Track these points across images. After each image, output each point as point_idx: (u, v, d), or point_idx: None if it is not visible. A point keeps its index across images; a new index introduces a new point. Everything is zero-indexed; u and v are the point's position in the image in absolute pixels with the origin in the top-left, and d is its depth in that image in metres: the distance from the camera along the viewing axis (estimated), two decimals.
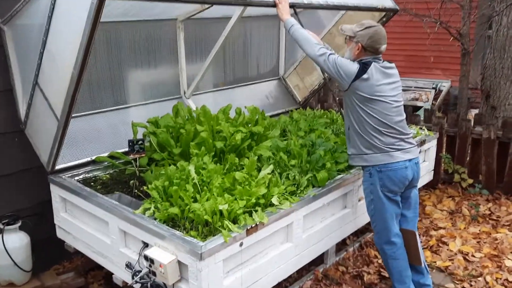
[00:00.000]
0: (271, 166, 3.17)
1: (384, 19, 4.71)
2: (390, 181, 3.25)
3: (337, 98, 5.80)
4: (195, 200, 2.93)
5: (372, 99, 3.14)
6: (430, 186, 5.44)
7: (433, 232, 4.63)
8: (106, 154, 3.84)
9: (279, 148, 3.64)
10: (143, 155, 3.59)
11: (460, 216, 4.95)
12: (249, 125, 4.04)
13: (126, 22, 4.19)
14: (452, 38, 6.28)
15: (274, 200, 2.94)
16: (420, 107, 11.12)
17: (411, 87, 11.80)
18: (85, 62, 2.75)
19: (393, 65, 3.32)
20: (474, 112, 9.21)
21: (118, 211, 2.97)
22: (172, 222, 2.90)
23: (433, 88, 11.63)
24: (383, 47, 3.20)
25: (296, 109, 5.60)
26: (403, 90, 11.83)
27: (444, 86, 11.47)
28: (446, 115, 10.57)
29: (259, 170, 3.35)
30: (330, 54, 3.17)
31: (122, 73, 4.29)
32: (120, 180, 3.65)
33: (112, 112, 4.20)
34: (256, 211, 2.88)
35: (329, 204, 3.42)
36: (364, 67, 3.11)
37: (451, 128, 5.22)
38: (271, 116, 5.40)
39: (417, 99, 11.59)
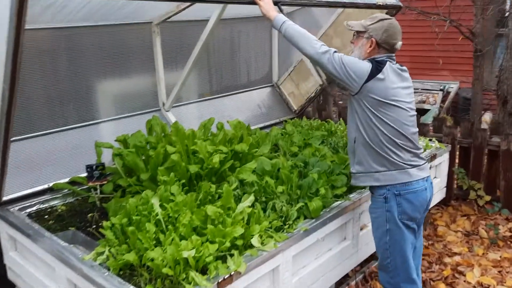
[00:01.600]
0: (252, 197, 2.62)
1: None
2: (410, 206, 2.73)
3: (338, 104, 5.25)
4: (158, 242, 2.40)
5: (388, 103, 2.62)
6: (442, 203, 4.87)
7: (447, 259, 4.06)
8: (67, 180, 3.32)
9: (265, 171, 3.10)
10: (104, 182, 3.06)
11: (477, 239, 4.38)
12: (233, 142, 3.50)
13: (90, 27, 3.66)
14: (461, 37, 5.70)
15: (254, 241, 2.39)
16: (427, 110, 10.57)
17: (418, 89, 11.23)
18: (15, 75, 2.22)
19: (405, 68, 2.81)
20: (487, 116, 8.65)
21: (65, 256, 2.43)
22: (130, 270, 2.37)
23: (440, 90, 11.06)
24: (399, 43, 2.72)
25: (292, 119, 5.05)
26: None
27: (452, 87, 10.89)
28: (454, 118, 10.05)
29: (240, 199, 2.81)
30: (335, 51, 2.66)
31: (89, 84, 3.77)
32: (80, 211, 3.11)
33: (76, 130, 3.67)
34: (232, 255, 2.34)
35: (324, 239, 2.87)
36: (378, 66, 2.61)
37: (465, 138, 4.65)
38: (264, 127, 4.90)
39: (424, 102, 11.02)
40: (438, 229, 4.57)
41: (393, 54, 2.74)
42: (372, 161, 2.73)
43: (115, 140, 3.53)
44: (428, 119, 10.14)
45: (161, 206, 2.57)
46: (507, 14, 5.07)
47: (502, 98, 4.91)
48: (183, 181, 3.02)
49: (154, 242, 2.39)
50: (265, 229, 2.59)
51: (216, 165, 2.98)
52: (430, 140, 4.30)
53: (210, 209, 2.46)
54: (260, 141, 3.84)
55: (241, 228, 2.35)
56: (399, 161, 2.71)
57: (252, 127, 4.67)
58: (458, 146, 4.73)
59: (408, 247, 2.81)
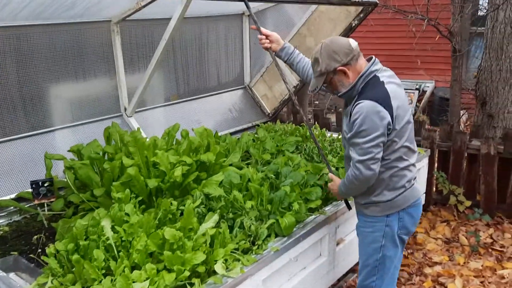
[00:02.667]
0: (215, 217, 2.35)
1: (362, 15, 3.94)
2: (411, 219, 2.56)
3: (314, 105, 5.01)
4: (108, 270, 2.11)
5: (402, 118, 2.36)
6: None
7: (428, 270, 3.87)
8: (13, 196, 2.98)
9: (233, 184, 2.83)
10: (52, 199, 2.75)
11: (457, 247, 4.21)
12: (199, 151, 3.22)
13: (41, 26, 3.33)
14: (438, 36, 5.54)
15: (218, 267, 2.12)
16: None
17: None
18: None
19: (390, 70, 2.54)
20: (463, 116, 8.57)
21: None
22: None
23: (416, 89, 10.98)
24: (352, 43, 2.37)
25: (265, 123, 4.81)
26: None
27: (428, 86, 10.81)
28: (430, 117, 9.97)
29: (205, 216, 2.54)
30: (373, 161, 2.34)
31: (40, 89, 3.43)
32: (27, 232, 2.79)
33: (25, 139, 3.33)
34: (192, 284, 2.07)
35: (297, 259, 2.62)
36: (383, 99, 2.26)
37: (444, 142, 4.47)
38: (236, 132, 4.64)
39: None
40: (418, 236, 4.38)
41: (363, 58, 2.43)
42: (384, 187, 2.45)
43: (68, 151, 3.22)
44: None
45: (114, 228, 2.28)
46: (484, 13, 4.93)
47: (481, 100, 4.76)
48: (142, 197, 2.74)
49: (104, 271, 2.11)
50: (231, 251, 2.33)
51: (178, 178, 2.70)
52: None
53: (168, 232, 2.18)
54: (230, 149, 3.58)
55: (203, 253, 2.08)
56: (411, 179, 2.51)
57: (223, 132, 4.43)
58: (437, 149, 4.54)
59: (398, 264, 2.64)
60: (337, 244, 3.05)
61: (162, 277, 1.97)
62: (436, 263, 3.97)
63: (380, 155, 2.33)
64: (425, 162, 4.05)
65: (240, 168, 3.40)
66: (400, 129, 2.33)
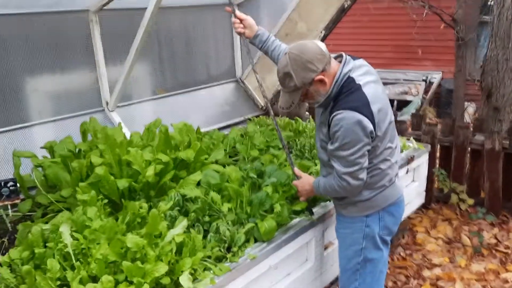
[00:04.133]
0: (184, 222, 2.15)
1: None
2: (392, 219, 2.39)
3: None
4: (66, 281, 1.93)
5: (383, 121, 2.19)
6: (421, 206, 4.45)
7: (426, 273, 3.65)
8: None
9: (211, 185, 2.62)
10: (16, 201, 2.56)
11: (459, 247, 3.97)
12: (179, 149, 3.02)
13: (12, 16, 3.14)
14: (443, 25, 5.26)
15: (184, 279, 1.91)
16: (409, 101, 10.18)
17: (400, 79, 10.84)
18: None
19: (363, 61, 2.28)
20: (470, 108, 8.27)
21: None
22: None
23: (423, 80, 10.67)
24: (320, 45, 2.12)
25: (257, 116, 4.59)
26: (391, 84, 10.96)
27: (435, 78, 10.51)
28: (437, 110, 9.67)
29: (176, 220, 2.34)
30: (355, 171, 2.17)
31: (14, 82, 3.26)
32: None
33: None
34: None
35: (277, 267, 2.41)
36: (363, 106, 2.07)
37: (446, 136, 4.23)
38: (227, 127, 4.42)
39: (406, 93, 10.63)
40: (417, 236, 4.16)
41: (330, 58, 2.16)
42: (363, 186, 2.25)
43: (41, 147, 3.04)
44: (410, 110, 9.75)
45: (75, 234, 2.09)
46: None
47: (486, 91, 4.49)
48: (114, 199, 2.55)
49: (59, 282, 1.92)
50: (203, 259, 2.13)
51: (151, 178, 2.50)
52: (408, 139, 3.87)
53: (131, 239, 1.98)
54: (215, 145, 3.37)
55: (165, 264, 1.88)
56: (392, 176, 2.31)
57: (213, 127, 4.23)
58: (439, 144, 4.30)
59: (384, 268, 2.46)
60: (325, 248, 2.84)
61: None
62: (435, 265, 3.74)
63: (367, 163, 2.16)
64: (424, 158, 3.81)
65: (225, 166, 3.20)
66: (383, 134, 2.16)
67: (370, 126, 2.06)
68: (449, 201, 4.36)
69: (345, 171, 2.14)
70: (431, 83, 10.42)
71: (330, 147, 2.17)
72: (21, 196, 2.76)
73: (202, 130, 4.01)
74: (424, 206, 4.50)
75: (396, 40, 10.07)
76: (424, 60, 10.37)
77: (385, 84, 10.58)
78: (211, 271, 2.09)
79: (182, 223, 2.12)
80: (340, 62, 2.17)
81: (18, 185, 2.64)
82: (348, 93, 2.10)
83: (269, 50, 2.62)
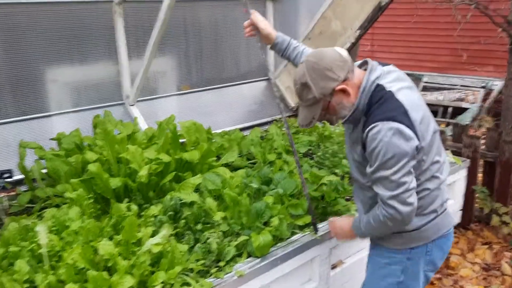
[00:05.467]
0: (165, 231, 1.99)
1: None
2: (440, 254, 2.06)
3: None
4: (34, 286, 1.83)
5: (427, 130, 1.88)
6: (459, 225, 4.05)
7: None
8: None
9: (209, 190, 2.45)
10: (12, 192, 2.52)
11: (497, 276, 3.57)
12: (192, 148, 2.88)
13: (36, 4, 3.13)
14: (501, 29, 4.77)
15: None
16: (465, 109, 9.53)
17: (457, 85, 10.18)
18: None
19: (392, 67, 1.99)
20: None
21: None
22: None
23: (482, 87, 9.96)
24: (340, 51, 1.87)
25: (288, 117, 4.37)
26: (447, 89, 10.33)
27: (495, 85, 9.76)
28: (496, 120, 8.96)
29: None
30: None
31: (34, 72, 3.25)
32: None
33: (16, 124, 3.15)
34: None
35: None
36: (401, 115, 1.77)
37: (490, 151, 3.80)
38: (253, 127, 4.23)
39: (462, 100, 9.96)
40: (451, 258, 3.77)
41: (354, 66, 1.91)
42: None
43: (51, 139, 3.00)
44: (466, 119, 9.13)
45: (52, 234, 1.99)
46: None
47: None
48: (108, 197, 2.44)
49: (28, 285, 1.82)
50: (184, 272, 1.96)
51: (143, 179, 2.36)
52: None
53: (103, 246, 1.85)
54: (229, 147, 3.20)
55: (132, 278, 1.73)
56: (443, 202, 1.99)
57: (239, 126, 4.07)
58: (482, 159, 3.89)
59: None
60: (333, 267, 2.59)
61: None
62: None
63: (414, 184, 1.82)
64: (462, 174, 3.44)
65: (235, 169, 3.03)
66: (427, 145, 1.84)
67: (412, 136, 1.75)
68: (491, 223, 3.93)
69: (390, 194, 1.80)
70: (490, 90, 9.70)
71: (369, 169, 1.85)
72: (23, 188, 2.73)
73: (226, 129, 3.88)
74: (463, 226, 4.10)
75: (453, 43, 9.44)
76: (485, 65, 9.67)
77: (440, 89, 9.99)
78: (191, 287, 1.92)
79: (163, 232, 1.96)
80: (366, 70, 1.90)
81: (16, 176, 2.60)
82: (379, 103, 1.81)
83: (291, 58, 2.36)
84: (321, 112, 1.91)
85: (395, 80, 1.88)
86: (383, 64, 1.98)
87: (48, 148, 2.95)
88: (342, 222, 2.20)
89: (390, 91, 1.82)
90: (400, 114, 1.76)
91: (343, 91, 1.84)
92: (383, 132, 1.74)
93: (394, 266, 2.03)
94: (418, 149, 1.79)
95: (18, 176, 2.80)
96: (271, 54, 4.56)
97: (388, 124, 1.74)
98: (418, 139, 1.77)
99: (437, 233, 1.98)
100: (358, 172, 2.03)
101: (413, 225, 1.92)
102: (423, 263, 2.01)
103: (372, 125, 1.77)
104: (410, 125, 1.75)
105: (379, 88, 1.84)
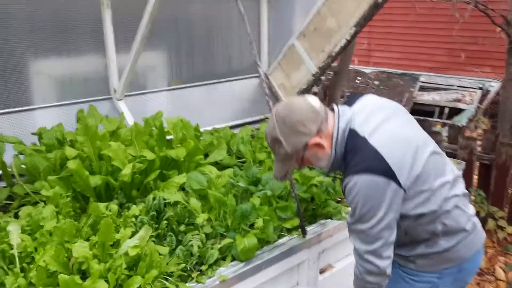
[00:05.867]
0: (142, 232, 1.89)
1: None
2: (473, 269, 1.94)
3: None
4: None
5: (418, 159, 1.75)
6: None
7: None
8: None
9: (194, 190, 2.35)
10: None
11: (491, 281, 3.49)
12: (179, 146, 2.77)
13: None
14: (500, 30, 4.69)
15: None
16: (461, 110, 9.46)
17: (453, 85, 10.11)
18: None
19: (367, 98, 1.90)
20: None
21: None
22: None
23: (479, 88, 9.89)
24: (311, 100, 1.77)
25: None
26: (444, 89, 10.28)
27: (492, 86, 9.69)
28: (493, 122, 8.90)
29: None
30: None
31: (17, 63, 3.13)
32: None
33: None
34: None
35: None
36: (376, 164, 1.67)
37: (486, 153, 3.72)
38: (244, 125, 4.13)
39: (459, 100, 9.87)
40: None
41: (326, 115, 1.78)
42: (437, 233, 1.81)
43: (32, 134, 2.89)
44: (462, 120, 9.06)
45: (24, 235, 1.89)
46: None
47: None
48: (89, 196, 2.34)
49: None
50: (164, 277, 1.86)
51: (126, 178, 2.26)
52: None
53: (78, 248, 1.75)
54: (218, 145, 3.09)
55: (105, 283, 1.63)
56: (468, 213, 1.86)
57: (230, 123, 3.96)
58: (478, 162, 3.80)
59: None
60: (322, 272, 2.50)
61: None
62: None
63: (393, 237, 1.73)
64: None
65: (224, 168, 2.93)
66: (422, 172, 1.70)
67: (392, 185, 1.65)
68: (486, 227, 3.85)
69: (368, 249, 1.73)
70: (488, 92, 9.63)
71: (348, 219, 1.79)
72: (2, 184, 2.62)
73: (217, 126, 3.77)
74: None
75: (451, 43, 9.38)
76: (482, 66, 9.61)
77: (436, 89, 9.91)
78: None
79: (140, 233, 1.86)
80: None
81: None
82: (353, 153, 1.72)
83: None
84: (295, 165, 1.84)
85: (368, 117, 1.77)
86: (354, 99, 1.87)
87: (30, 143, 2.85)
88: None
89: (363, 138, 1.71)
90: (375, 163, 1.66)
91: (317, 144, 1.75)
92: (358, 185, 1.66)
93: (421, 284, 1.89)
94: (406, 190, 1.69)
95: None
96: (264, 50, 4.48)
97: (363, 176, 1.66)
98: (400, 183, 1.65)
99: (470, 251, 1.85)
100: None
101: (443, 246, 1.80)
102: (454, 281, 1.88)
103: (347, 178, 1.70)
104: (388, 172, 1.64)
105: (352, 134, 1.74)
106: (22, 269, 1.80)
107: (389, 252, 1.73)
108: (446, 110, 9.54)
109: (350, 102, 1.86)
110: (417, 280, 1.89)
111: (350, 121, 1.75)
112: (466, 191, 1.90)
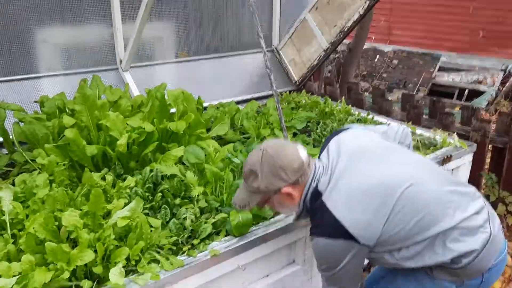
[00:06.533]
0: (133, 204, 1.86)
1: None
2: (496, 275, 1.83)
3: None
4: None
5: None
6: None
7: None
8: None
9: (191, 163, 2.32)
10: None
11: None
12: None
13: None
14: None
15: (113, 273, 1.63)
16: (482, 92, 9.20)
17: (475, 67, 9.81)
18: None
19: (348, 133, 1.96)
20: None
21: None
22: None
23: (501, 70, 9.58)
24: (301, 152, 1.78)
25: (290, 92, 4.19)
26: (465, 71, 9.99)
27: None
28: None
29: (147, 200, 2.08)
30: None
31: (21, 31, 3.11)
32: None
33: (2, 84, 3.05)
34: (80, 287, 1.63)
35: (244, 268, 2.07)
36: (335, 233, 1.68)
37: (500, 136, 3.59)
38: (252, 100, 4.07)
39: (480, 82, 9.61)
40: None
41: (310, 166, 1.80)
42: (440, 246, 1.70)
43: (35, 102, 2.88)
44: (481, 103, 8.82)
45: (15, 202, 1.88)
46: None
47: None
48: (86, 165, 2.32)
49: None
50: (155, 249, 1.85)
51: (122, 148, 2.23)
52: (449, 135, 3.30)
53: (68, 217, 1.73)
54: (219, 118, 3.03)
55: (92, 252, 1.62)
56: (484, 229, 1.72)
57: (237, 98, 3.90)
58: (491, 145, 3.68)
59: None
60: None
61: (32, 277, 1.54)
62: None
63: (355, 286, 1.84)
64: (466, 159, 3.23)
65: (226, 143, 2.89)
66: (392, 220, 1.66)
67: (353, 244, 1.65)
68: (496, 211, 3.74)
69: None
70: (510, 74, 9.33)
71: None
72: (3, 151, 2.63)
73: (223, 101, 3.71)
74: None
75: (474, 23, 9.06)
76: (506, 47, 9.30)
77: (457, 70, 9.64)
78: (159, 264, 1.80)
79: (130, 205, 1.83)
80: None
81: None
82: (313, 213, 1.80)
83: None
84: (259, 201, 1.83)
85: (333, 168, 1.77)
86: (333, 136, 1.95)
87: (33, 111, 2.85)
88: None
89: (321, 201, 1.72)
90: (332, 228, 1.67)
91: (288, 194, 1.77)
92: (317, 246, 1.74)
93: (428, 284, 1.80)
94: (369, 246, 1.68)
95: None
96: (276, 24, 4.36)
97: (321, 240, 1.71)
98: (360, 242, 1.65)
99: (490, 262, 1.73)
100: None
101: (459, 264, 1.69)
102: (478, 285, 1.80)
103: (310, 235, 1.78)
104: (345, 234, 1.64)
105: (313, 194, 1.77)
106: (14, 236, 1.80)
107: None
108: (466, 92, 9.30)
109: (327, 141, 1.94)
110: (434, 285, 1.79)
111: (317, 177, 1.77)
112: (471, 190, 1.82)
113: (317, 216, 1.75)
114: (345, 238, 1.64)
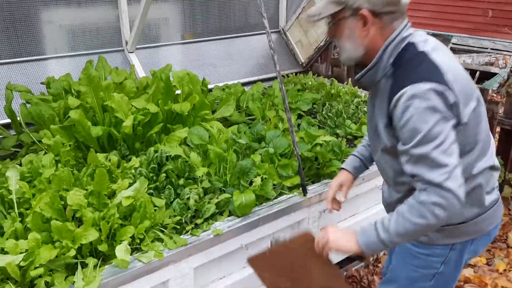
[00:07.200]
0: (137, 184, 1.89)
1: None
2: (487, 240, 1.76)
3: None
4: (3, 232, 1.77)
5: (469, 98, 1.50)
6: None
7: None
8: None
9: (195, 144, 2.33)
10: None
11: (502, 248, 3.42)
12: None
13: None
14: None
15: (119, 250, 1.67)
16: (494, 74, 9.07)
17: (487, 48, 9.65)
18: None
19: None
20: None
21: None
22: None
23: None
24: None
25: (297, 74, 4.17)
26: (476, 52, 9.83)
27: None
28: None
29: (151, 180, 2.11)
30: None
31: (29, 12, 3.11)
32: None
33: (6, 66, 3.06)
34: (85, 265, 1.66)
35: (247, 248, 2.10)
36: (437, 75, 1.41)
37: (508, 118, 3.56)
38: (258, 81, 4.06)
39: (491, 64, 9.44)
40: None
41: (405, 15, 1.55)
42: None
43: (41, 83, 2.90)
44: (492, 85, 8.70)
45: (21, 182, 1.92)
46: None
47: None
48: (92, 146, 2.35)
49: None
50: (158, 228, 1.88)
51: (127, 129, 2.25)
52: None
53: (73, 196, 1.76)
54: (225, 100, 3.03)
55: (96, 231, 1.65)
56: (495, 186, 1.67)
57: (243, 80, 3.89)
58: (498, 127, 3.65)
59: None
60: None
61: (38, 254, 1.57)
62: (468, 265, 3.24)
63: (460, 161, 1.43)
64: None
65: (233, 125, 2.89)
66: (469, 120, 1.46)
67: (451, 97, 1.39)
68: (502, 194, 3.73)
69: (439, 173, 1.38)
70: None
71: (402, 147, 1.46)
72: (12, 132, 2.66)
73: (229, 83, 3.71)
74: None
75: (486, 3, 8.88)
76: None
77: (468, 52, 9.49)
78: (163, 243, 1.83)
79: (135, 185, 1.86)
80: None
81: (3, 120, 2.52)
82: (410, 64, 1.46)
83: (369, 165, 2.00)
84: (331, 20, 1.55)
85: (429, 43, 1.52)
86: None
87: (40, 92, 2.87)
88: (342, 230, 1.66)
89: (423, 51, 1.47)
90: (435, 74, 1.41)
91: (364, 22, 1.49)
92: (417, 96, 1.38)
93: (433, 258, 1.71)
94: (459, 121, 1.44)
95: (5, 120, 2.72)
96: (283, 3, 4.32)
97: (422, 85, 1.38)
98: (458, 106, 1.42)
99: (492, 223, 1.67)
100: (383, 155, 1.64)
101: (460, 217, 1.59)
102: (467, 252, 1.71)
103: (403, 90, 1.40)
104: (449, 85, 1.40)
105: (410, 47, 1.49)
106: (21, 214, 1.84)
107: (461, 180, 1.41)
108: (477, 74, 9.17)
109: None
110: (429, 254, 1.71)
111: (411, 35, 1.52)
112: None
113: (417, 68, 1.44)
114: (447, 85, 1.38)
